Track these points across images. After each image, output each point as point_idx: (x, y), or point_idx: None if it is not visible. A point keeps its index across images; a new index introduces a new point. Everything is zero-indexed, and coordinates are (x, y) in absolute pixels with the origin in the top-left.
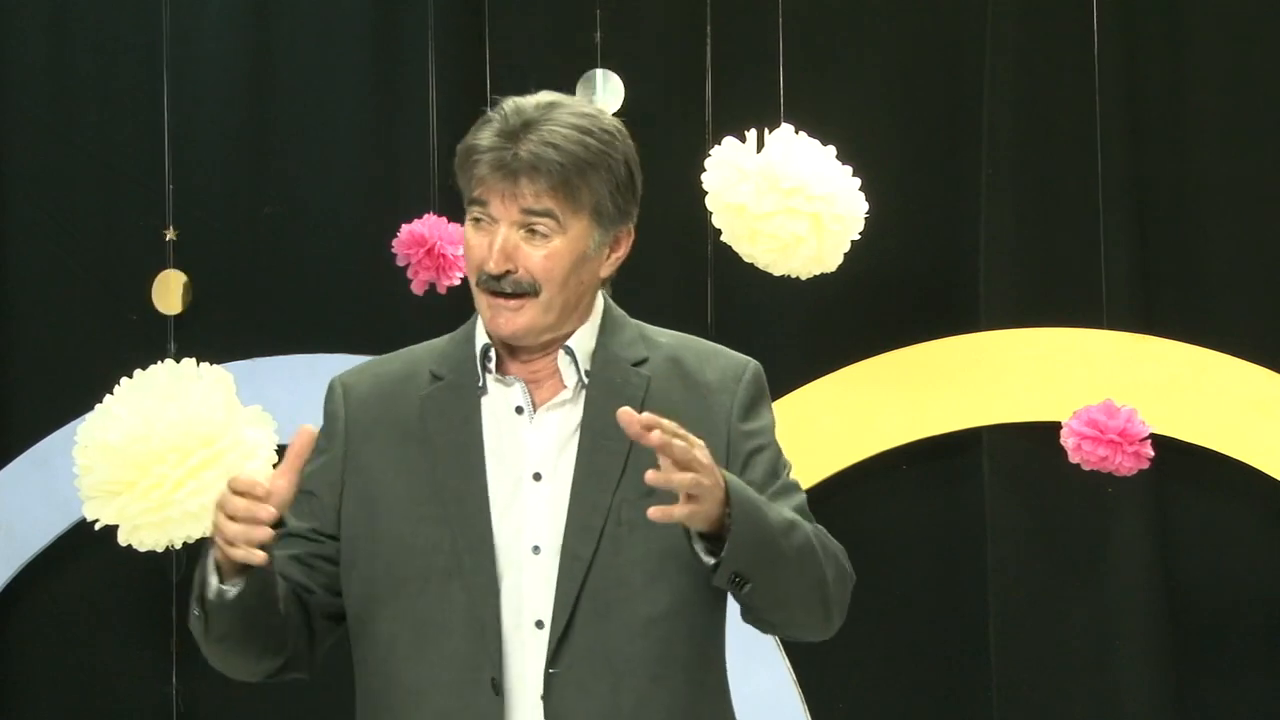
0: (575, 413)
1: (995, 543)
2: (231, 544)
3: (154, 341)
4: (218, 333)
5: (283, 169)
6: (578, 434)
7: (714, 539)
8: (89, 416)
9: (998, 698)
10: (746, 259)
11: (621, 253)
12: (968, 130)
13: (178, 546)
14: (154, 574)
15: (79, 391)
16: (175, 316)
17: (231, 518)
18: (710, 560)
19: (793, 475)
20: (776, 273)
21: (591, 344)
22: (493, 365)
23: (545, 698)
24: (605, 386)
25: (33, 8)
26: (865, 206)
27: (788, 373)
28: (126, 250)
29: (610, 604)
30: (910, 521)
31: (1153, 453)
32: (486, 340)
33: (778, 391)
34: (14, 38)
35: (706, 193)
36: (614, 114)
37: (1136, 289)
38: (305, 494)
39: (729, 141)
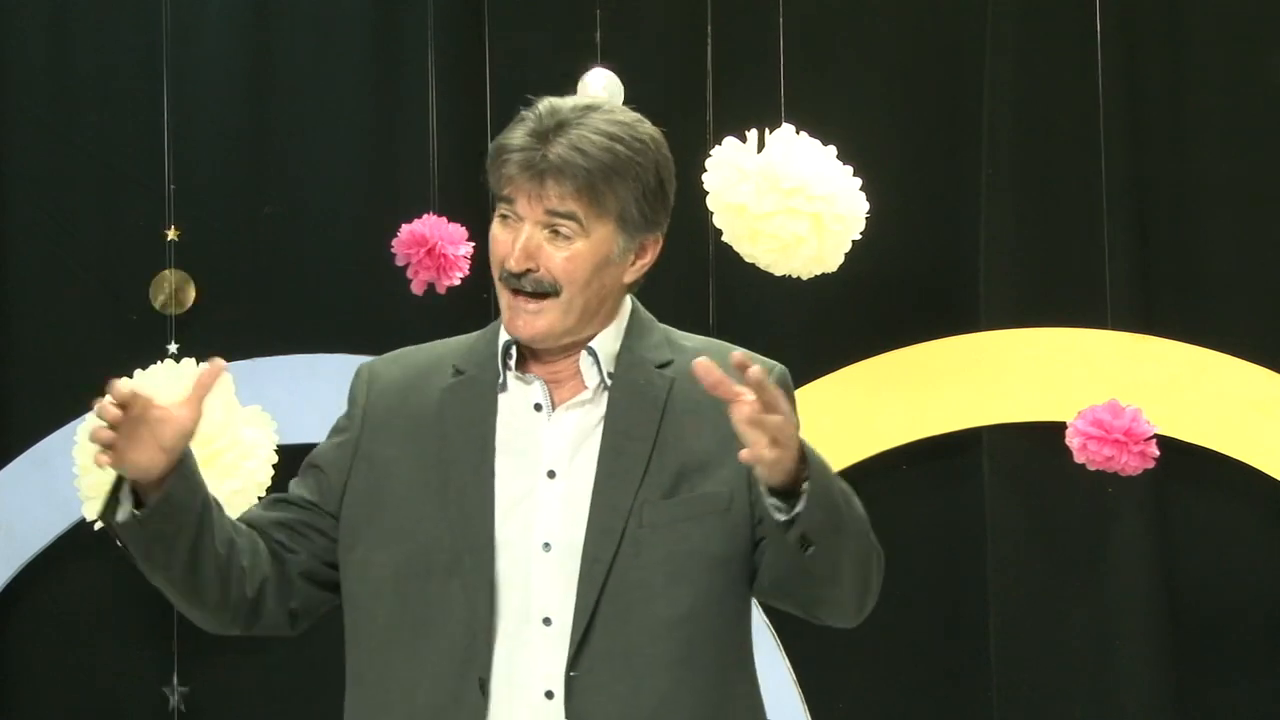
0: (594, 413)
1: (995, 543)
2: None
3: (154, 341)
4: (218, 333)
5: (283, 169)
6: (595, 433)
7: (784, 496)
8: (89, 416)
9: (998, 698)
10: (747, 259)
11: (648, 260)
12: (968, 130)
13: None
14: None
15: (79, 391)
16: (175, 316)
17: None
18: (783, 517)
19: None
20: (777, 273)
21: (616, 346)
22: (513, 363)
23: (567, 701)
24: (628, 388)
25: (33, 8)
26: (866, 206)
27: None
28: (126, 250)
29: (631, 605)
30: (910, 521)
31: (1157, 452)
32: (509, 337)
33: None
34: (14, 38)
35: (707, 193)
36: None
37: (1136, 289)
38: (314, 469)
39: (729, 141)
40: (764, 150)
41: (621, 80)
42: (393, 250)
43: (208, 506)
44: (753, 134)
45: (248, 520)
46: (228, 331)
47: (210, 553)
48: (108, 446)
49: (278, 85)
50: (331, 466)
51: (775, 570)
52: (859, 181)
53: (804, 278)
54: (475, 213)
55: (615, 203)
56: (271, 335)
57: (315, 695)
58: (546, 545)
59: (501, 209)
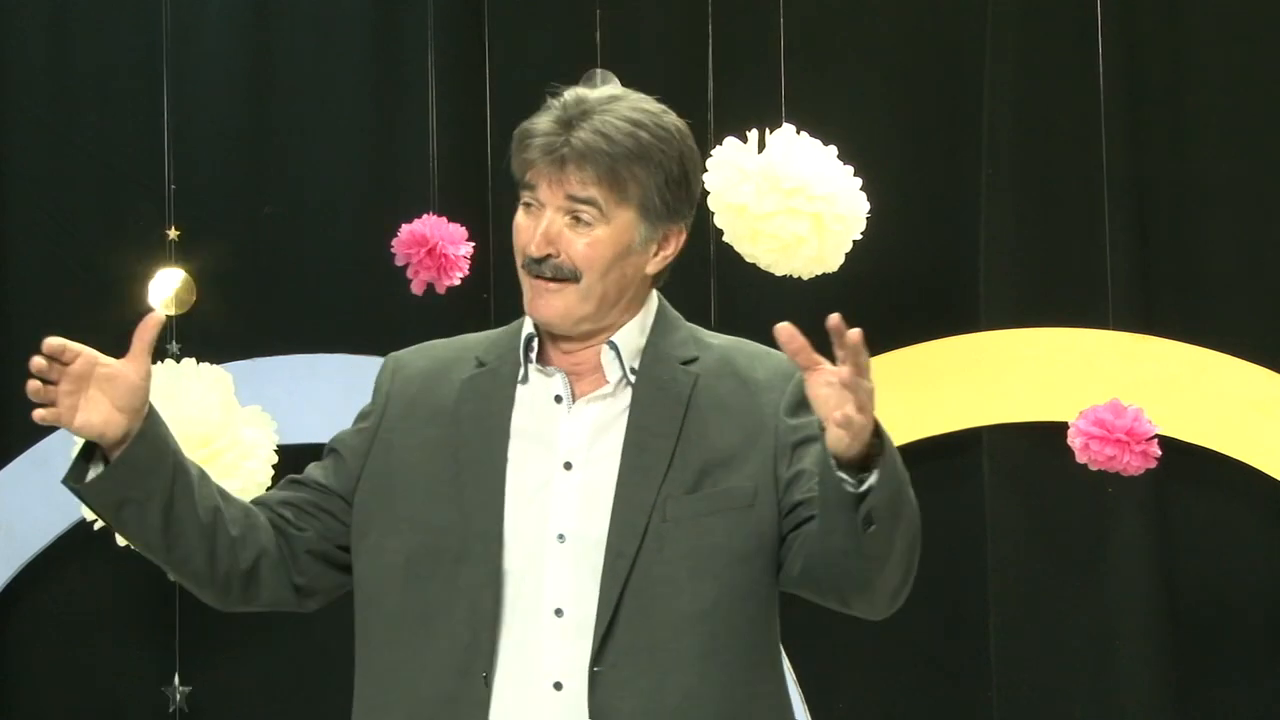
0: (614, 407)
1: (995, 543)
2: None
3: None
4: (218, 333)
5: (283, 169)
6: (614, 427)
7: (850, 469)
8: None
9: (998, 698)
10: (748, 259)
11: (670, 251)
12: (968, 130)
13: None
14: (154, 574)
15: None
16: (176, 316)
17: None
18: (855, 491)
19: None
20: (778, 273)
21: (640, 342)
22: (535, 355)
23: (590, 696)
24: (652, 384)
25: (33, 8)
26: (867, 206)
27: None
28: (126, 250)
29: (654, 600)
30: None
31: (1159, 452)
32: (531, 330)
33: None
34: (14, 38)
35: (708, 193)
36: None
37: (1136, 289)
38: (333, 453)
39: (730, 142)
40: (765, 150)
41: (621, 81)
42: (393, 250)
43: (182, 472)
44: (753, 134)
45: (258, 500)
46: (228, 331)
47: (190, 521)
48: (49, 404)
49: (278, 85)
50: (350, 452)
51: (815, 555)
52: (859, 181)
53: (805, 278)
54: (475, 213)
55: (637, 189)
56: (271, 335)
57: (316, 695)
58: (560, 536)
59: (525, 197)
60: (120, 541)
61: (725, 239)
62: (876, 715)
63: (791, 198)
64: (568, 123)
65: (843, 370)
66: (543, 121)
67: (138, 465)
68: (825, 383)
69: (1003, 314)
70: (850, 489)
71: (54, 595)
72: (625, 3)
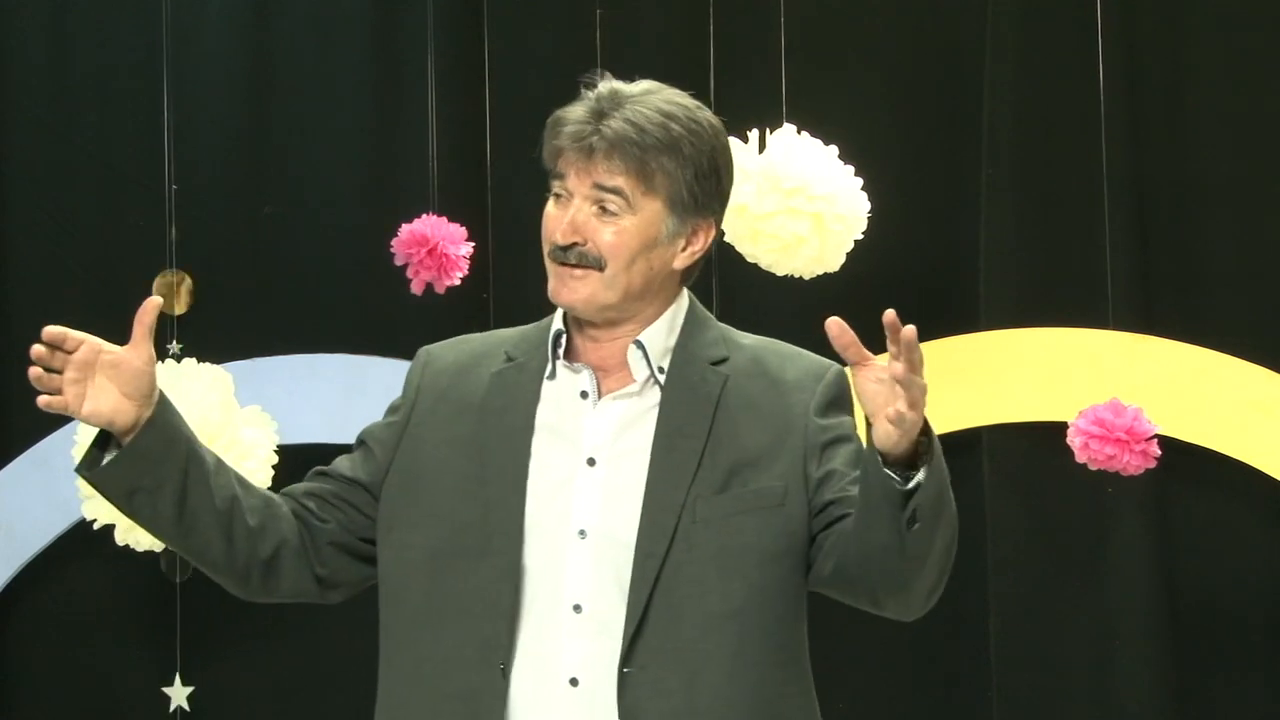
0: (640, 405)
1: (995, 543)
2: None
3: (154, 341)
4: (218, 333)
5: (283, 169)
6: (639, 425)
7: (896, 467)
8: None
9: (998, 698)
10: (749, 259)
11: (699, 247)
12: (968, 130)
13: None
14: (154, 574)
15: None
16: (176, 316)
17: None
18: (902, 488)
19: None
20: (779, 273)
21: (670, 341)
22: (562, 351)
23: (620, 697)
24: (682, 384)
25: (33, 8)
26: (867, 206)
27: None
28: (126, 250)
29: (684, 600)
30: None
31: (1159, 452)
32: (560, 327)
33: None
34: (14, 38)
35: None
36: None
37: (1136, 289)
38: (363, 445)
39: (731, 142)
40: (765, 150)
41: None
42: (393, 250)
43: (196, 460)
44: (754, 134)
45: (284, 491)
46: (228, 331)
47: (205, 509)
48: (51, 392)
49: (278, 85)
50: (379, 444)
51: (851, 554)
52: (860, 181)
53: (805, 278)
54: (475, 213)
55: (665, 181)
56: (271, 335)
57: (317, 695)
58: (582, 532)
59: (555, 187)
60: (120, 541)
61: (726, 239)
62: (876, 715)
63: (792, 198)
64: (600, 113)
65: (896, 366)
66: (575, 110)
67: (148, 452)
68: (875, 379)
69: (1003, 314)
70: (898, 486)
71: (54, 595)
72: (625, 3)
